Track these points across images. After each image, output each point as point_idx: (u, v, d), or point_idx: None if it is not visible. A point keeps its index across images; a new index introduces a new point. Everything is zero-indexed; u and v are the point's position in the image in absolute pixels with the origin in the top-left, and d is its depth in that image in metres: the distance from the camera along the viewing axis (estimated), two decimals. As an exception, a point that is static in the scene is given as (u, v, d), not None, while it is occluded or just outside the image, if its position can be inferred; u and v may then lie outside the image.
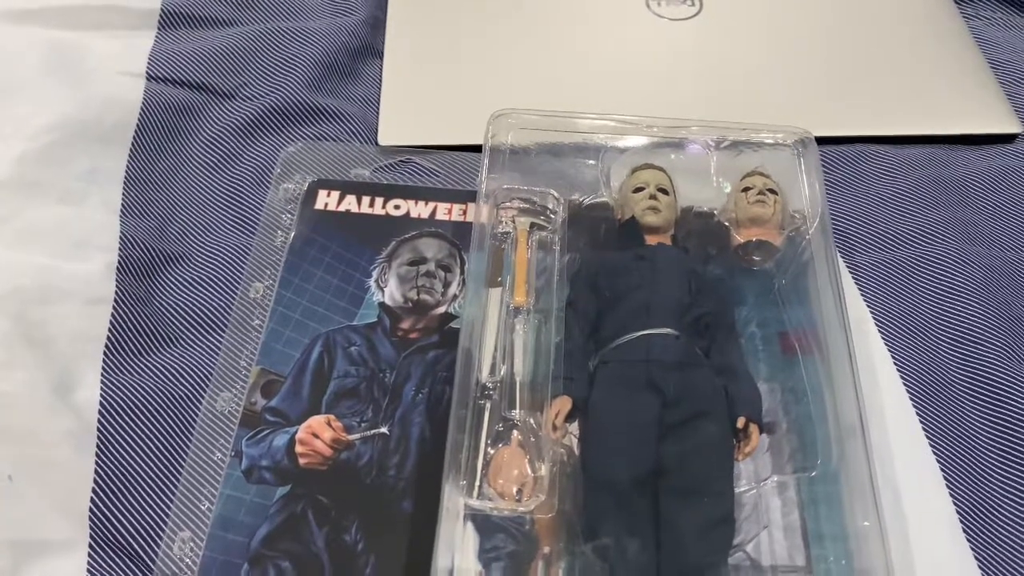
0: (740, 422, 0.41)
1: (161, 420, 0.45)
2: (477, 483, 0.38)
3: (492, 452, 0.39)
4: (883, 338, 0.50)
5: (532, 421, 0.40)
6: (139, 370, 0.47)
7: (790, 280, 0.47)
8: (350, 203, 0.54)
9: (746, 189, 0.48)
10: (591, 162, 0.51)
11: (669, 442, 0.40)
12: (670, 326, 0.43)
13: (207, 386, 0.46)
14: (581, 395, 0.42)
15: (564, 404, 0.41)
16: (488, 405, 0.40)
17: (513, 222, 0.47)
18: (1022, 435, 0.46)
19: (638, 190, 0.48)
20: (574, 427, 0.42)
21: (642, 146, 0.51)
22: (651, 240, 0.47)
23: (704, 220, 0.49)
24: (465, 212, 0.54)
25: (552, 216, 0.48)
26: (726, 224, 0.48)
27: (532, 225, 0.47)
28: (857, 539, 0.38)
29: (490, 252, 0.45)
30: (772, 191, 0.48)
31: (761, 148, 0.50)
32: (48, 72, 0.58)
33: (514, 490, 0.38)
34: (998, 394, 0.47)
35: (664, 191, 0.48)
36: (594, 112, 0.51)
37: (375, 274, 0.51)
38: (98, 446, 0.44)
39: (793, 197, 0.48)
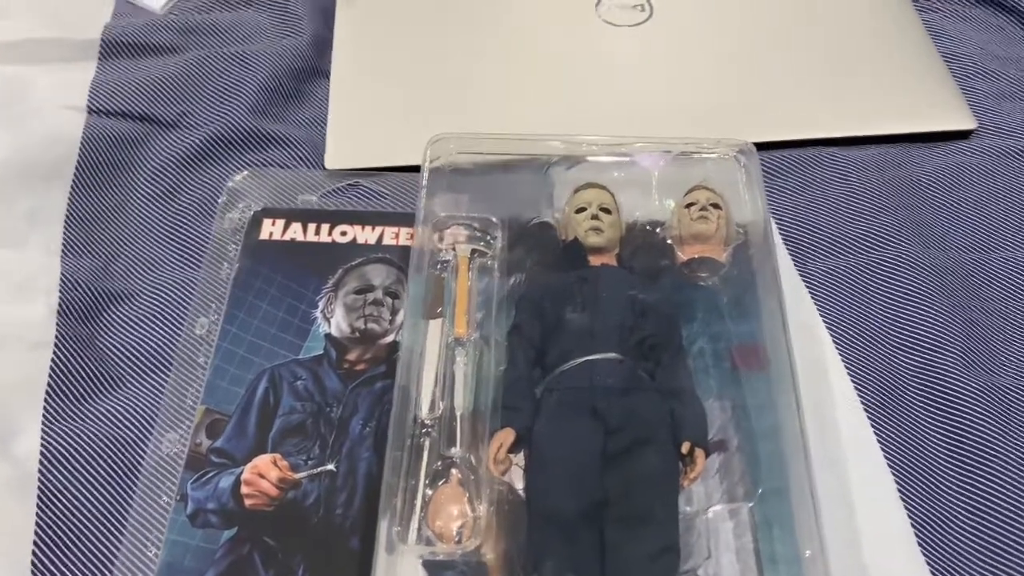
0: (685, 447, 0.40)
1: (105, 466, 0.45)
2: (416, 525, 0.37)
3: (431, 493, 0.38)
4: (836, 347, 0.49)
5: (472, 458, 0.40)
6: (81, 415, 0.46)
7: (736, 294, 0.47)
8: (295, 231, 0.54)
9: (689, 205, 0.47)
10: (535, 179, 0.50)
11: (612, 471, 0.39)
12: (614, 350, 0.42)
13: (152, 428, 0.46)
14: (525, 425, 0.41)
15: (507, 436, 0.41)
16: (427, 443, 0.40)
17: (454, 249, 0.46)
18: (976, 444, 0.45)
19: (580, 210, 0.47)
20: (519, 458, 0.41)
21: (586, 164, 0.50)
22: (595, 261, 0.46)
23: (649, 237, 0.48)
24: (412, 236, 0.53)
25: (492, 241, 0.47)
26: (669, 242, 0.47)
27: (473, 252, 0.46)
28: (803, 565, 0.38)
29: (429, 280, 0.44)
30: (716, 206, 0.47)
31: (704, 161, 0.49)
32: (-11, 111, 0.57)
33: (454, 530, 0.37)
34: (953, 401, 0.47)
35: (607, 211, 0.47)
36: (537, 132, 0.50)
37: (321, 304, 0.51)
38: (39, 496, 0.43)
39: (737, 209, 0.48)
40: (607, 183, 0.48)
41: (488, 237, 0.47)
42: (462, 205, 0.49)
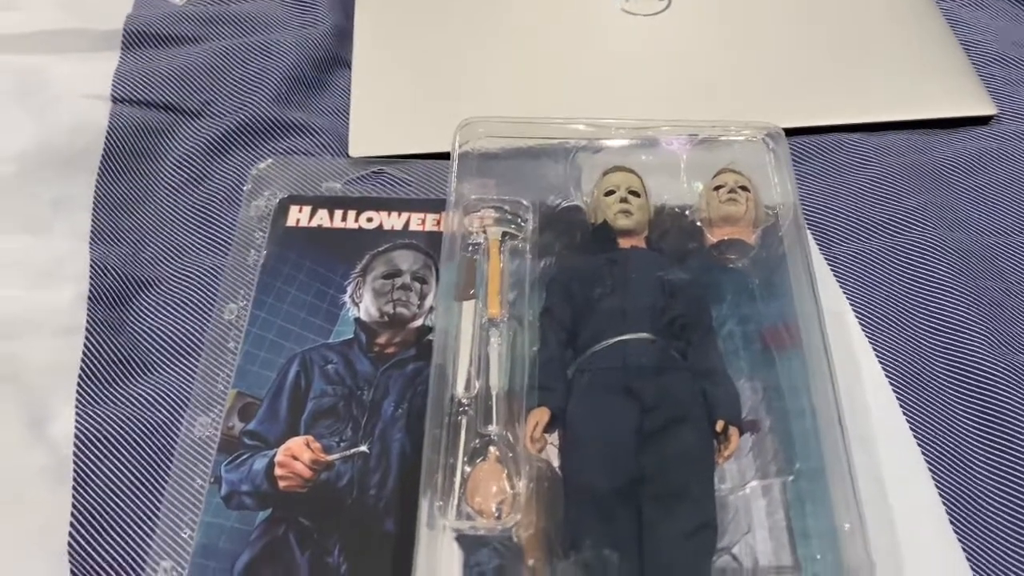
0: (719, 425, 0.41)
1: (139, 449, 0.45)
2: (455, 502, 0.37)
3: (469, 470, 0.39)
4: (863, 329, 0.50)
5: (509, 436, 0.40)
6: (114, 400, 0.46)
7: (766, 276, 0.47)
8: (322, 218, 0.54)
9: (717, 188, 0.48)
10: (562, 164, 0.50)
11: (648, 449, 0.40)
12: (646, 330, 0.43)
13: (184, 412, 0.46)
14: (559, 405, 0.41)
15: (542, 415, 0.41)
16: (464, 421, 0.40)
17: (484, 232, 0.47)
18: (1005, 422, 0.45)
19: (609, 193, 0.47)
20: (554, 437, 0.42)
21: (612, 148, 0.50)
22: (624, 243, 0.46)
23: (678, 220, 0.48)
24: (439, 222, 0.53)
25: (523, 224, 0.47)
26: (698, 224, 0.47)
27: (504, 235, 0.47)
28: (840, 538, 0.38)
29: (461, 263, 0.44)
30: (744, 188, 0.47)
31: (732, 145, 0.49)
32: (11, 100, 0.58)
33: (493, 507, 0.37)
34: (980, 382, 0.47)
35: (636, 193, 0.47)
36: (563, 116, 0.51)
37: (349, 289, 0.51)
38: (75, 479, 0.43)
39: (765, 192, 0.48)
40: (635, 166, 0.49)
41: (519, 220, 0.47)
42: (491, 189, 0.49)
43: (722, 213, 0.47)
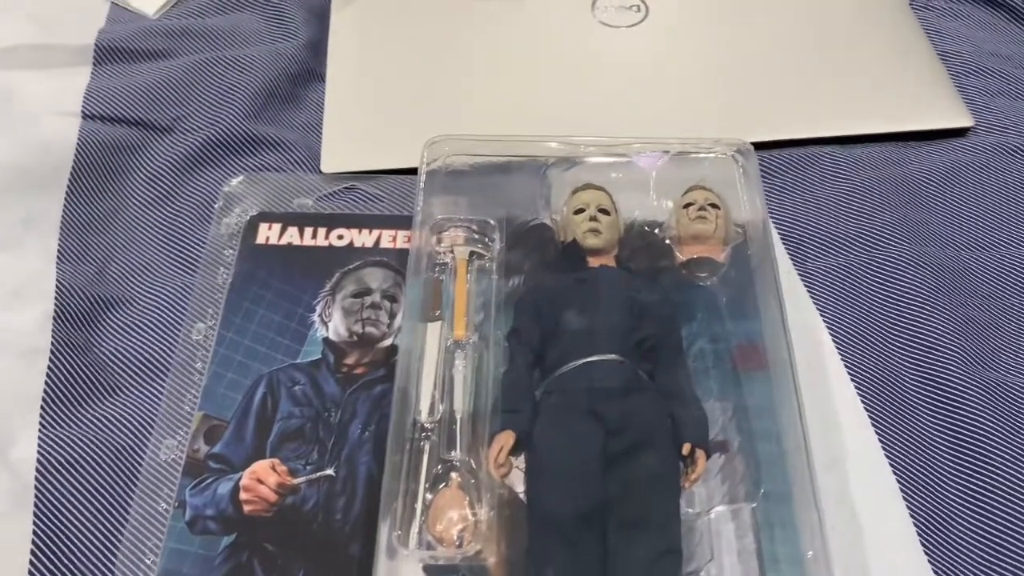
0: (685, 448, 0.40)
1: (102, 473, 0.44)
2: (416, 530, 0.37)
3: (431, 497, 0.38)
4: (836, 345, 0.49)
5: (472, 462, 0.39)
6: (78, 422, 0.46)
7: (736, 294, 0.46)
8: (292, 235, 0.53)
9: (687, 205, 0.47)
10: (533, 180, 0.50)
11: (613, 474, 0.39)
12: (614, 351, 0.42)
13: (150, 435, 0.46)
14: (525, 428, 0.41)
15: (507, 439, 0.40)
16: (427, 447, 0.39)
17: (452, 252, 0.46)
18: (977, 442, 0.45)
19: (579, 211, 0.47)
20: (521, 461, 0.41)
21: (584, 164, 0.50)
22: (594, 262, 0.46)
23: (647, 238, 0.48)
24: (409, 239, 0.53)
25: (490, 243, 0.47)
26: (668, 242, 0.47)
27: (471, 254, 0.46)
28: (805, 565, 0.38)
29: (427, 283, 0.44)
30: (714, 205, 0.47)
31: (702, 161, 0.49)
32: (-21, 117, 0.57)
33: (454, 535, 0.37)
34: (952, 400, 0.46)
35: (605, 211, 0.47)
36: (534, 134, 0.50)
37: (319, 308, 0.50)
38: (36, 504, 0.43)
39: (735, 209, 0.48)
40: (605, 184, 0.48)
41: (486, 239, 0.47)
42: (459, 207, 0.48)
43: (692, 231, 0.47)
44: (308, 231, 0.53)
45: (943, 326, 0.49)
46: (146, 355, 0.49)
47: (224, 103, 0.60)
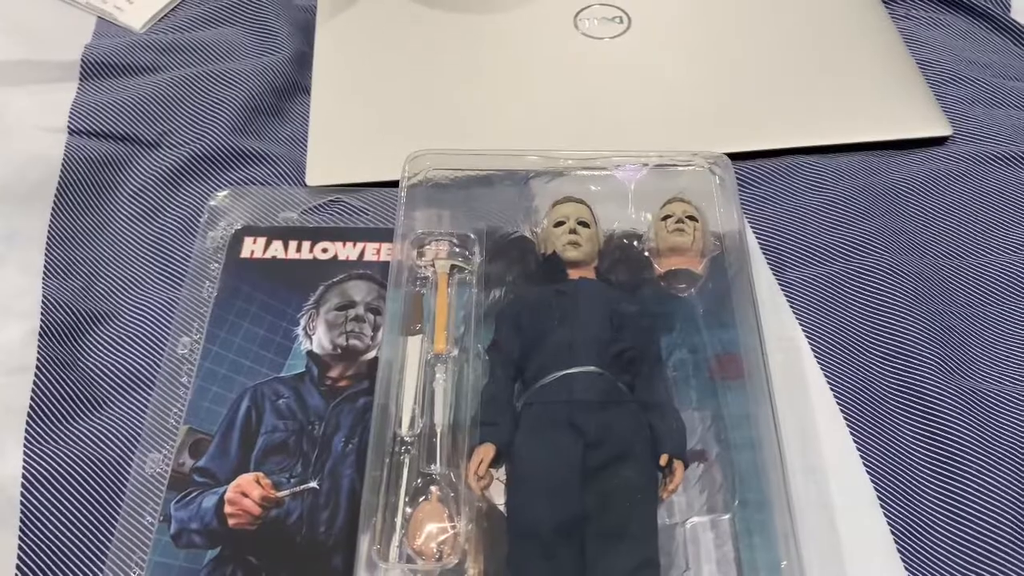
0: (663, 460, 0.41)
1: (88, 487, 0.45)
2: (396, 543, 0.37)
3: (411, 510, 0.38)
4: (815, 355, 0.50)
5: (452, 475, 0.40)
6: (64, 437, 0.46)
7: (714, 305, 0.47)
8: (276, 249, 0.54)
9: (665, 218, 0.48)
10: (514, 193, 0.51)
11: (591, 486, 0.40)
12: (593, 363, 0.43)
13: (135, 449, 0.46)
14: (505, 440, 0.42)
15: (487, 452, 0.41)
16: (407, 461, 0.40)
17: (432, 266, 0.47)
18: (954, 451, 0.45)
19: (558, 224, 0.47)
20: (501, 473, 0.42)
21: (563, 178, 0.50)
22: (573, 274, 0.47)
23: (626, 250, 0.48)
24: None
25: (471, 256, 0.47)
26: (646, 254, 0.47)
27: (452, 267, 0.47)
28: (780, 574, 0.38)
29: (408, 297, 0.44)
30: (692, 218, 0.48)
31: (680, 173, 0.49)
32: (-36, 133, 0.57)
33: (434, 548, 0.37)
34: (931, 408, 0.47)
35: (585, 224, 0.47)
36: (514, 148, 0.51)
37: (303, 321, 0.51)
38: (21, 520, 0.43)
39: (713, 221, 0.48)
40: (585, 196, 0.49)
41: (467, 252, 0.47)
42: (441, 220, 0.49)
43: (670, 243, 0.47)
44: (292, 244, 0.54)
45: (921, 335, 0.50)
46: (132, 369, 0.49)
47: (210, 117, 0.61)
